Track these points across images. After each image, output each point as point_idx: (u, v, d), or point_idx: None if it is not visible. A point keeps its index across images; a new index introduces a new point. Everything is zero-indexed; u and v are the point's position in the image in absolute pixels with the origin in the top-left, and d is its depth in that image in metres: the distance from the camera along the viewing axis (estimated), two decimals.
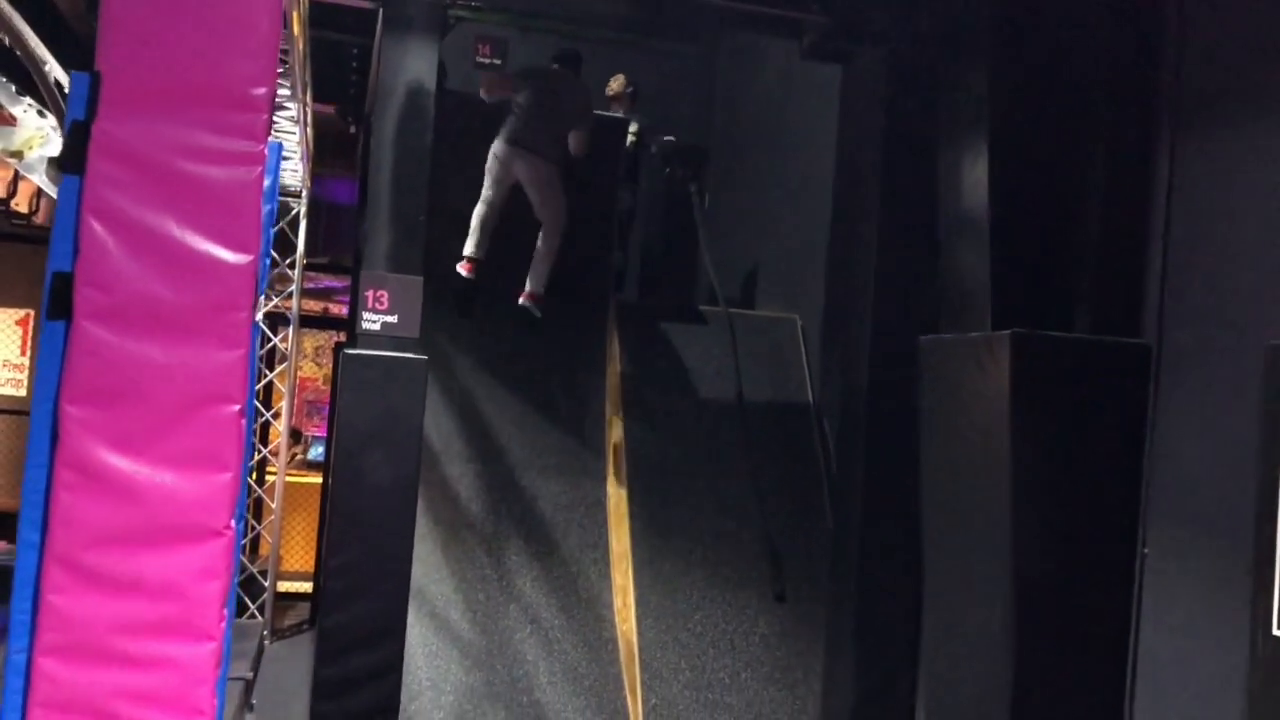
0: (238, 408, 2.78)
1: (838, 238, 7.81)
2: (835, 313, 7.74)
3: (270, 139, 3.33)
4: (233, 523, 2.79)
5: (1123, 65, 5.22)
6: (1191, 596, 4.81)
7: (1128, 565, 4.99)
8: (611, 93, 9.07)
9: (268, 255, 3.61)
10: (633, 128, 8.93)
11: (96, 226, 2.68)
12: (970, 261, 5.42)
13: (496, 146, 7.40)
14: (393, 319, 6.10)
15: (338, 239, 12.80)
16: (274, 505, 8.71)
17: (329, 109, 9.62)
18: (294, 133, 7.25)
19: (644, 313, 8.53)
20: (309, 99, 7.06)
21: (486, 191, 7.34)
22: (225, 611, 2.80)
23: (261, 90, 2.81)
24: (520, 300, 7.44)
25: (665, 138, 9.17)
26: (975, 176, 5.33)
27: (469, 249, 7.20)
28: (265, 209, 3.10)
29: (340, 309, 12.97)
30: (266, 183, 3.19)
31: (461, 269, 7.16)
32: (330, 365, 12.98)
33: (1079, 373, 5.04)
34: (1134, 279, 5.15)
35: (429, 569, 7.12)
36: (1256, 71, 4.76)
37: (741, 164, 10.06)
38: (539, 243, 7.52)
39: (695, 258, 9.60)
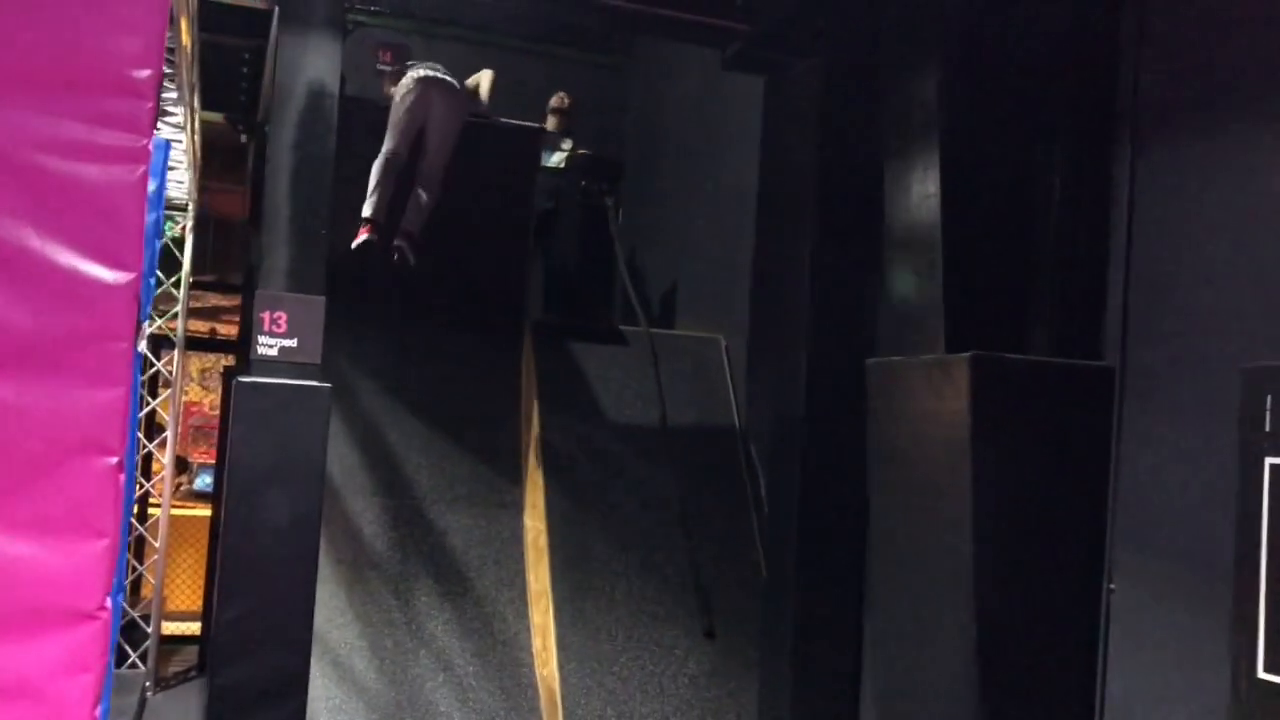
0: (115, 460, 2.25)
1: (764, 254, 7.47)
2: (764, 333, 7.40)
3: (156, 135, 2.78)
4: (108, 602, 2.26)
5: (1079, 74, 4.97)
6: (1162, 634, 4.54)
7: (1094, 601, 4.71)
8: (552, 107, 8.69)
9: (152, 273, 3.09)
10: (565, 144, 8.58)
11: None
12: (920, 280, 5.10)
13: (407, 80, 6.98)
14: (292, 343, 5.54)
15: (225, 256, 12.12)
16: (157, 544, 7.99)
17: (217, 118, 8.98)
18: (180, 140, 6.63)
19: (559, 332, 8.08)
20: (196, 103, 6.47)
21: (391, 140, 6.87)
22: (97, 713, 2.25)
23: (145, 73, 2.29)
24: (395, 241, 6.80)
25: (579, 151, 8.80)
26: (925, 190, 5.02)
27: (368, 209, 6.64)
28: (150, 218, 2.56)
29: (229, 329, 12.24)
30: (151, 186, 2.66)
31: (362, 234, 6.58)
32: (220, 389, 12.25)
33: (1040, 397, 4.76)
34: (1094, 298, 4.89)
35: (331, 614, 6.58)
36: (1218, 82, 4.54)
37: (658, 178, 9.71)
38: (420, 191, 6.98)
39: (612, 274, 9.19)
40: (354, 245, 6.60)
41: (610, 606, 6.87)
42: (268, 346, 5.52)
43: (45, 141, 2.21)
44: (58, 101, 2.21)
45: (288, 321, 5.55)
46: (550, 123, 8.77)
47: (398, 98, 7.03)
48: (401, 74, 7.23)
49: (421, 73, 7.08)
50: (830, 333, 6.35)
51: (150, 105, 2.29)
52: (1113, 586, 4.68)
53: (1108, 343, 4.85)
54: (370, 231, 6.62)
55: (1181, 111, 4.67)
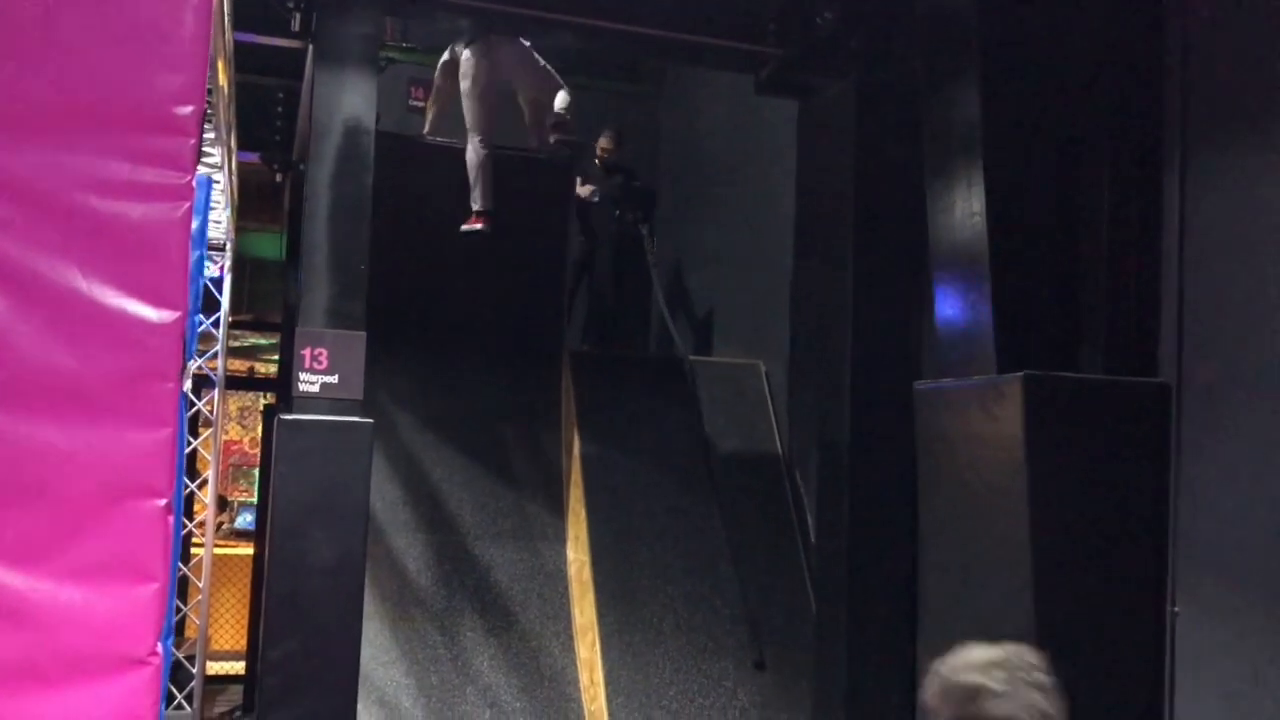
0: (164, 502, 2.21)
1: (803, 279, 7.40)
2: (805, 358, 7.31)
3: (199, 172, 2.76)
4: (159, 647, 2.21)
5: (1125, 85, 4.87)
6: (1228, 657, 4.38)
7: (1157, 624, 4.56)
8: (603, 150, 8.71)
9: (197, 311, 3.07)
10: (617, 180, 8.64)
11: None
12: (968, 300, 5.00)
13: (465, 64, 7.21)
14: (333, 379, 5.51)
15: (262, 295, 12.21)
16: (201, 584, 7.98)
17: (252, 158, 9.04)
18: (219, 181, 6.67)
19: (598, 362, 8.04)
20: (233, 143, 6.51)
21: (475, 132, 7.14)
22: None
23: (188, 110, 2.27)
24: (465, 227, 7.09)
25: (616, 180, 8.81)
26: (970, 208, 4.93)
27: (478, 202, 6.80)
28: (193, 255, 2.53)
29: (268, 368, 12.31)
30: (194, 224, 2.64)
31: (473, 225, 6.70)
32: (258, 428, 12.30)
33: (1096, 416, 4.63)
34: (1147, 313, 4.76)
35: (376, 651, 6.53)
36: (1270, 89, 4.43)
37: (693, 205, 9.66)
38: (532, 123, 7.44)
39: (648, 303, 9.15)
40: (463, 229, 6.93)
41: (658, 639, 6.77)
42: (309, 383, 5.50)
43: (88, 180, 2.18)
44: (100, 140, 2.19)
45: (329, 358, 5.53)
46: (598, 161, 8.83)
47: (464, 85, 7.17)
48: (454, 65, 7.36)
49: (470, 47, 7.25)
50: (873, 356, 6.25)
51: (193, 142, 2.27)
52: (1176, 609, 4.54)
53: (1163, 359, 4.73)
54: (485, 224, 6.91)
55: (1232, 120, 4.56)
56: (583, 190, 8.57)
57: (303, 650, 5.29)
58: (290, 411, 5.61)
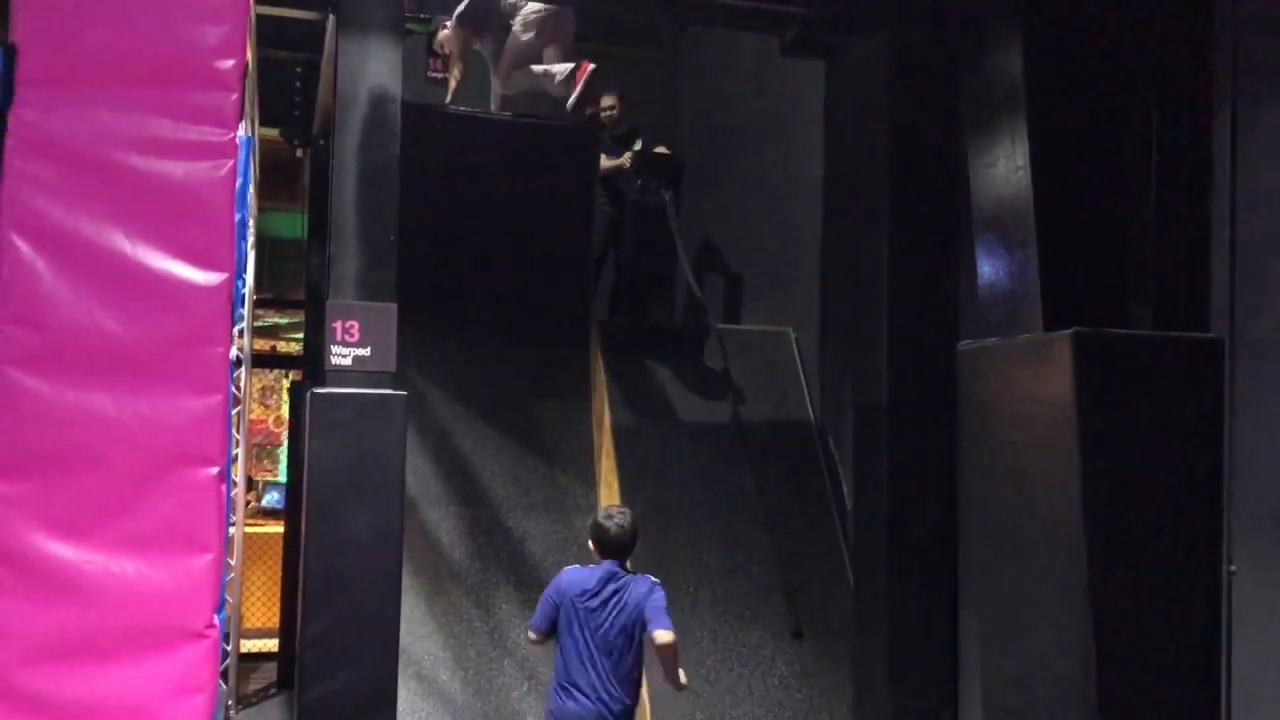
0: (216, 470, 2.14)
1: (833, 242, 7.28)
2: (837, 323, 7.21)
3: (241, 131, 2.69)
4: (216, 619, 2.14)
5: (1174, 35, 4.73)
6: None
7: (1213, 583, 4.47)
8: (607, 113, 8.54)
9: (243, 274, 2.98)
10: (637, 146, 8.42)
11: (19, 243, 2.03)
12: (1012, 257, 4.89)
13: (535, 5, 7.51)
14: (365, 352, 5.42)
15: (283, 274, 12.14)
16: (233, 563, 7.96)
17: (272, 133, 8.94)
18: None
19: (626, 332, 7.94)
20: (257, 117, 6.42)
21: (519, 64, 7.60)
22: None
23: (229, 63, 2.19)
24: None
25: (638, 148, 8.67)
26: (1014, 164, 4.81)
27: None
28: (236, 216, 2.45)
29: (290, 346, 12.25)
30: (237, 184, 2.55)
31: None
32: (281, 407, 12.26)
33: (1147, 373, 4.53)
34: (1197, 267, 4.65)
35: (413, 625, 6.49)
36: None
37: (718, 171, 9.53)
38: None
39: (675, 271, 9.04)
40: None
41: (694, 609, 6.71)
42: (341, 356, 5.40)
43: (128, 139, 2.10)
44: (139, 97, 2.11)
45: (360, 330, 5.44)
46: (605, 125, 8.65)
47: (526, 36, 7.52)
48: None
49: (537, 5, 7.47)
50: (910, 318, 6.14)
51: (235, 97, 2.18)
52: (1233, 568, 4.45)
53: (1215, 313, 4.62)
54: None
55: None
56: (609, 163, 8.43)
57: (342, 625, 5.22)
58: (322, 385, 5.53)
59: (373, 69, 5.68)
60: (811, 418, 7.69)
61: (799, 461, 7.47)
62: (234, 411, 8.04)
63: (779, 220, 8.43)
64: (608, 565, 4.76)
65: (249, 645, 9.67)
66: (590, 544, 4.89)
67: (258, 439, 14.46)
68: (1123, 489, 4.48)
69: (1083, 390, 4.42)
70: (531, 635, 4.95)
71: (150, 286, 2.12)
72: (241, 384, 8.20)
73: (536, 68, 7.74)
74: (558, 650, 4.77)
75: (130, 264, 2.11)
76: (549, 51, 7.84)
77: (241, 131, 5.35)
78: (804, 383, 7.84)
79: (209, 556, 2.14)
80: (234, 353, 2.96)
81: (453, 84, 7.93)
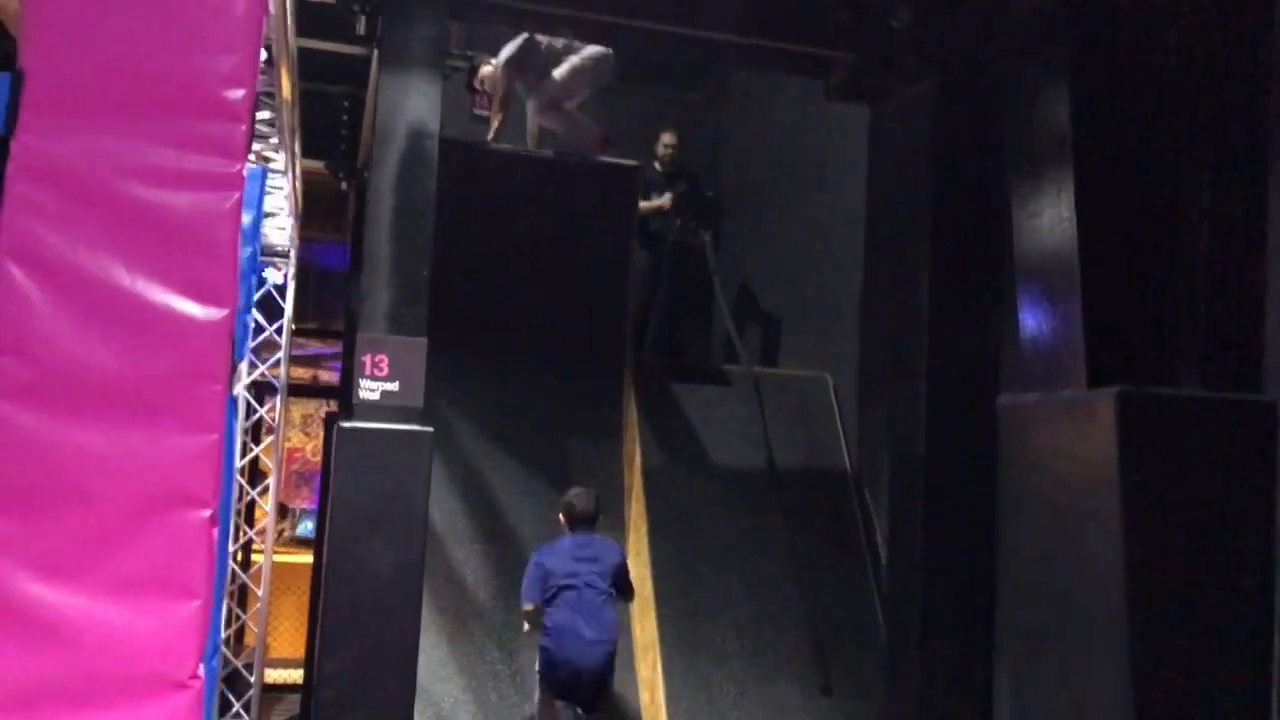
0: (208, 513, 2.06)
1: (873, 288, 7.16)
2: (876, 371, 7.06)
3: (251, 163, 2.61)
4: (201, 669, 2.06)
5: (1226, 82, 4.59)
6: None
7: (1263, 654, 4.26)
8: (666, 150, 8.58)
9: (248, 310, 2.93)
10: (680, 186, 8.40)
11: (16, 273, 1.98)
12: (1056, 310, 4.74)
13: (594, 49, 7.58)
14: (393, 386, 5.38)
15: (327, 305, 12.20)
16: (260, 592, 7.91)
17: (318, 166, 8.98)
18: (282, 187, 6.59)
19: (660, 373, 7.84)
20: (298, 149, 6.43)
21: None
22: None
23: (239, 93, 2.12)
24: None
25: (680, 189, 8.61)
26: (1058, 214, 4.68)
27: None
28: (245, 251, 2.38)
29: (331, 376, 12.29)
30: (247, 218, 2.49)
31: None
32: (321, 435, 12.28)
33: (1195, 436, 4.35)
34: (1251, 326, 4.47)
35: (433, 665, 6.39)
36: None
37: (758, 214, 9.44)
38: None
39: (712, 313, 8.94)
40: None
41: (721, 660, 6.56)
42: (369, 390, 5.37)
43: (132, 167, 2.05)
44: (145, 125, 2.06)
45: (389, 364, 5.40)
46: (659, 163, 8.61)
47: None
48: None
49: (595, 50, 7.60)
50: (950, 369, 6.00)
51: (244, 128, 2.12)
52: None
53: (1268, 374, 4.44)
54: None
55: None
56: (649, 205, 8.37)
57: (359, 663, 5.16)
58: (350, 419, 5.48)
59: (412, 104, 5.69)
60: (848, 467, 7.54)
61: (833, 511, 7.31)
62: (269, 440, 8.08)
63: (819, 264, 8.33)
64: (579, 534, 5.81)
65: (277, 675, 9.61)
66: (561, 518, 5.92)
67: (296, 466, 14.51)
68: (1168, 557, 4.30)
69: (1127, 452, 4.26)
70: (527, 606, 5.71)
71: (148, 319, 2.05)
72: (276, 413, 8.23)
73: (569, 108, 7.80)
74: (547, 613, 5.61)
75: (129, 296, 2.05)
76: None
77: (253, 162, 5.33)
78: (841, 431, 7.69)
79: (196, 603, 2.05)
80: (238, 390, 2.90)
81: (495, 124, 7.93)
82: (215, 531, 2.08)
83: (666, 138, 8.59)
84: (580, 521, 5.85)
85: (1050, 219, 4.75)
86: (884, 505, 6.83)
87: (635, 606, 6.83)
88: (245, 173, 2.13)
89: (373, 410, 5.38)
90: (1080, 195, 4.63)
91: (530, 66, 7.67)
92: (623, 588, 5.86)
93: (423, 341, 5.49)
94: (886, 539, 6.76)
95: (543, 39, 7.58)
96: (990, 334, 5.91)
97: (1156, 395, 4.38)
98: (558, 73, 7.62)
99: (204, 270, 2.08)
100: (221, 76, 2.11)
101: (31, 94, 2.02)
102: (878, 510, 7.10)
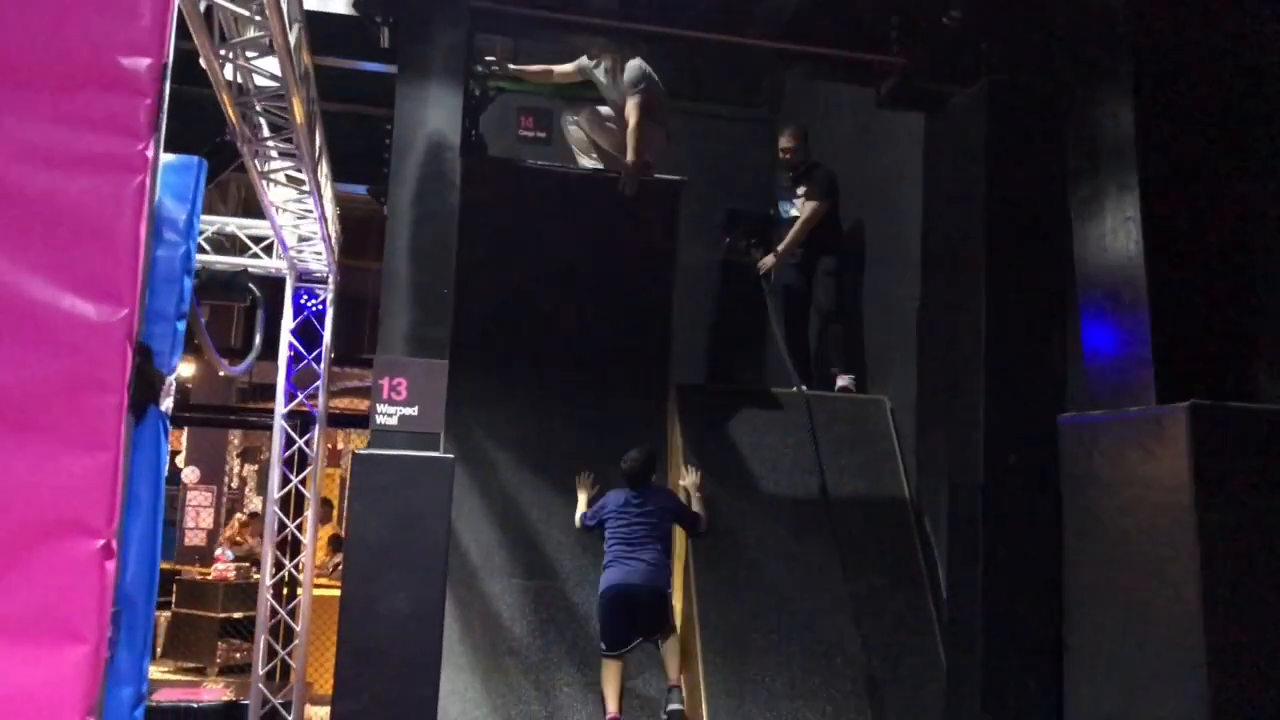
0: (100, 543, 1.78)
1: (931, 304, 6.76)
2: (934, 392, 6.65)
3: (194, 157, 2.34)
4: None
5: None
6: None
7: None
8: (782, 147, 8.13)
9: (180, 316, 2.65)
10: (800, 191, 7.97)
11: None
12: (1122, 323, 4.33)
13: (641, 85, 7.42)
14: (412, 411, 5.13)
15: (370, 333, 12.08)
16: (298, 628, 7.69)
17: (360, 191, 8.82)
18: (311, 211, 6.40)
19: (708, 396, 7.49)
20: (324, 172, 6.23)
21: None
22: None
23: (144, 63, 1.86)
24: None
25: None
26: (1122, 217, 4.27)
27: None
28: (179, 250, 2.11)
29: None
30: (182, 214, 2.21)
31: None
32: None
33: (1270, 450, 3.91)
34: None
35: (466, 705, 6.11)
36: None
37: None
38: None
39: (763, 334, 8.57)
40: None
41: (770, 702, 6.16)
42: (387, 416, 5.12)
43: (17, 149, 1.79)
44: (27, 99, 1.80)
45: (408, 388, 5.15)
46: (786, 168, 8.22)
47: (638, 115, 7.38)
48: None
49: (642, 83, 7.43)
50: (1010, 388, 5.58)
51: (149, 102, 1.85)
52: None
53: None
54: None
55: None
56: (766, 261, 7.97)
57: (375, 705, 4.87)
58: (368, 446, 5.23)
59: (430, 115, 5.48)
60: (906, 494, 7.11)
61: (891, 541, 6.87)
62: (307, 471, 7.89)
63: (876, 280, 7.94)
64: (631, 490, 6.16)
65: (321, 713, 9.36)
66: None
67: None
68: (1246, 577, 3.86)
69: (1201, 469, 3.84)
70: (583, 523, 6.30)
71: (32, 321, 1.79)
72: (315, 443, 8.04)
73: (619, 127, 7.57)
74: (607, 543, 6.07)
75: (9, 293, 1.79)
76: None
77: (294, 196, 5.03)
78: (899, 455, 7.27)
79: (84, 648, 1.77)
80: (166, 405, 2.65)
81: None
82: (110, 565, 1.79)
83: (783, 140, 8.10)
84: (626, 479, 6.20)
85: (1114, 227, 4.35)
86: (944, 535, 6.39)
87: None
88: (151, 154, 1.86)
89: (390, 437, 5.13)
90: (1146, 200, 4.23)
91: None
92: (685, 518, 6.29)
93: (443, 364, 5.23)
94: (946, 571, 6.33)
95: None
96: (1054, 350, 5.48)
97: (1230, 409, 3.96)
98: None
99: (99, 265, 1.81)
100: (120, 44, 1.85)
101: None
102: (938, 540, 6.66)
